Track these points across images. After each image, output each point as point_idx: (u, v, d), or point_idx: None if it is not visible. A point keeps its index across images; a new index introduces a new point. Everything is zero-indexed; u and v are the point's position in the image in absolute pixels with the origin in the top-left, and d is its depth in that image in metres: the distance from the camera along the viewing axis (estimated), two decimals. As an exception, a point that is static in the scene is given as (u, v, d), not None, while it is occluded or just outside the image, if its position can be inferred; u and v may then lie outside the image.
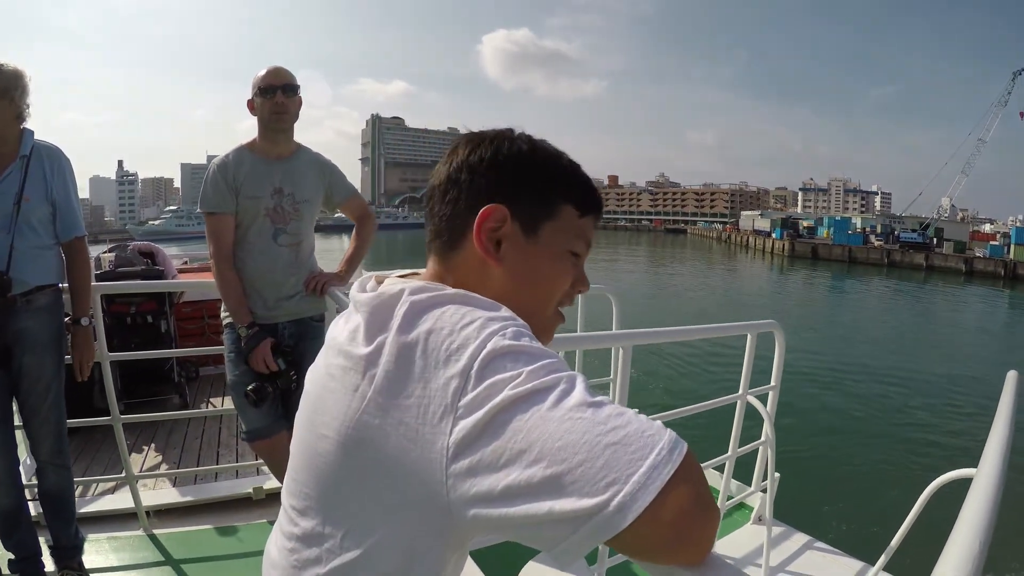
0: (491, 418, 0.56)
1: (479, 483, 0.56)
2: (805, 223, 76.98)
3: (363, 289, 0.77)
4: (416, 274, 0.84)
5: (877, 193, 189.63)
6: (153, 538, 2.97)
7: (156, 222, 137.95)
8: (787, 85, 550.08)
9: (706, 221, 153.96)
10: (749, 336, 3.10)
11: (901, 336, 22.51)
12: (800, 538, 3.41)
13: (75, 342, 2.53)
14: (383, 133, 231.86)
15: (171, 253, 5.92)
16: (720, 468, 3.28)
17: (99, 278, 4.38)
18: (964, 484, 1.13)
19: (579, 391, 0.57)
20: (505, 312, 0.68)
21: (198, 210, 2.70)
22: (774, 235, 74.66)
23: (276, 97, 2.55)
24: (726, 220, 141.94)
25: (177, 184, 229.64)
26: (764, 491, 3.36)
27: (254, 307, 2.64)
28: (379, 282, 0.79)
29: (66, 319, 2.53)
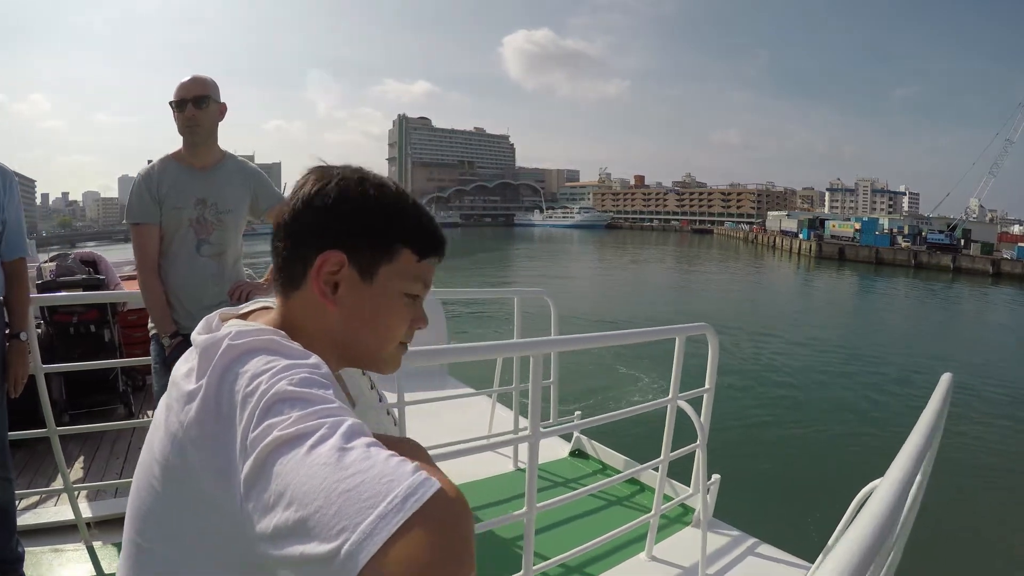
0: (262, 460, 0.59)
1: (258, 522, 0.58)
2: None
3: (207, 328, 0.80)
4: (267, 309, 0.88)
5: (905, 193, 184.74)
6: (92, 550, 2.95)
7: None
8: (810, 84, 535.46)
9: (733, 221, 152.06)
10: (678, 340, 3.08)
11: (904, 340, 22.19)
12: (742, 539, 3.41)
13: (11, 357, 2.51)
14: (409, 133, 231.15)
15: (117, 259, 5.93)
16: (658, 470, 3.26)
17: (40, 288, 4.40)
18: None
19: (336, 437, 0.58)
20: (312, 360, 0.70)
21: (124, 221, 2.67)
22: (801, 235, 73.56)
23: (187, 111, 2.51)
24: (753, 220, 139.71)
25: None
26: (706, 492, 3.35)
27: (178, 317, 2.61)
28: (223, 320, 0.83)
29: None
